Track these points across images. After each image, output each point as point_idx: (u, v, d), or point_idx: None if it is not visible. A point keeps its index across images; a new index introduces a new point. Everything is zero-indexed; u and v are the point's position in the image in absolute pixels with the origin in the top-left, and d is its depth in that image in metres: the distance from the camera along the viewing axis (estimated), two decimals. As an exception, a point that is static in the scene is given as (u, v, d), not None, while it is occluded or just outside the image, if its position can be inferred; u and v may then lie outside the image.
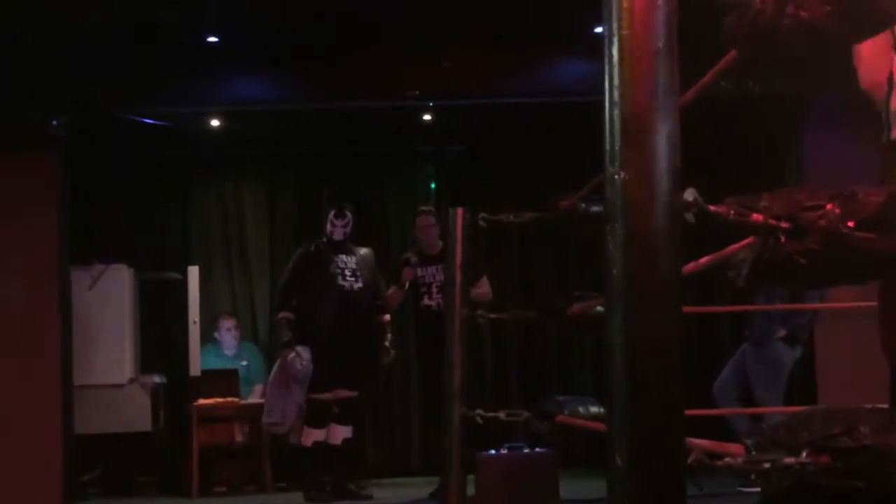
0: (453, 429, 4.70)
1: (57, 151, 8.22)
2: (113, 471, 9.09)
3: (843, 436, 1.72)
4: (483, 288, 8.06)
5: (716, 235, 2.19)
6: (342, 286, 7.97)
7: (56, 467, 8.01)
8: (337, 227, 8.09)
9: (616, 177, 1.56)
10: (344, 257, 8.06)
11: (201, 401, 8.93)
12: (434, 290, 8.09)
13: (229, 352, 9.59)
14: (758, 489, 1.80)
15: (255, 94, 8.38)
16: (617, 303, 1.56)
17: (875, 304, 2.70)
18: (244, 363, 9.49)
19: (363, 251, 8.26)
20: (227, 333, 9.59)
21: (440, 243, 7.90)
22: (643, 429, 1.52)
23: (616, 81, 1.58)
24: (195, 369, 9.14)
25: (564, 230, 8.84)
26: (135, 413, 8.84)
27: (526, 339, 10.17)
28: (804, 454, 1.71)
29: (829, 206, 1.75)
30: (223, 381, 9.09)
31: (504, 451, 7.34)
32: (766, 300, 7.67)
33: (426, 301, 8.20)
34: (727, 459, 1.78)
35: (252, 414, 8.78)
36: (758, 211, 1.76)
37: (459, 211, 4.89)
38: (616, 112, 1.57)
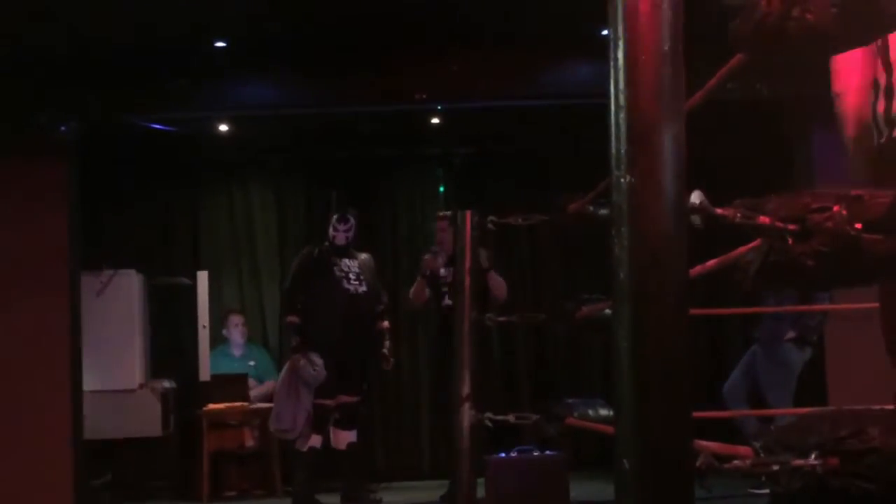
0: (463, 432, 4.71)
1: (66, 157, 8.24)
2: (123, 476, 9.10)
3: (851, 438, 1.72)
4: (495, 280, 8.07)
5: (726, 238, 2.20)
6: (348, 290, 8.00)
7: (67, 473, 8.02)
8: (340, 232, 8.10)
9: (622, 180, 1.56)
10: (347, 261, 8.08)
11: (211, 406, 8.95)
12: (446, 290, 8.10)
13: (238, 351, 9.62)
14: (767, 491, 1.80)
15: (262, 99, 8.39)
16: (623, 306, 1.56)
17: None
18: (252, 363, 9.51)
19: (363, 256, 8.28)
20: (235, 329, 9.64)
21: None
22: (650, 432, 1.52)
23: (621, 85, 1.58)
24: (205, 374, 9.16)
25: (574, 233, 8.83)
26: (145, 418, 8.85)
27: (535, 342, 10.18)
28: (813, 456, 1.71)
29: (836, 208, 1.75)
30: (233, 385, 9.10)
31: (514, 454, 7.34)
32: (776, 302, 7.66)
33: (447, 301, 8.19)
34: (735, 462, 1.77)
35: (262, 418, 8.78)
36: (765, 213, 1.76)
37: (468, 214, 4.90)
38: (622, 115, 1.57)
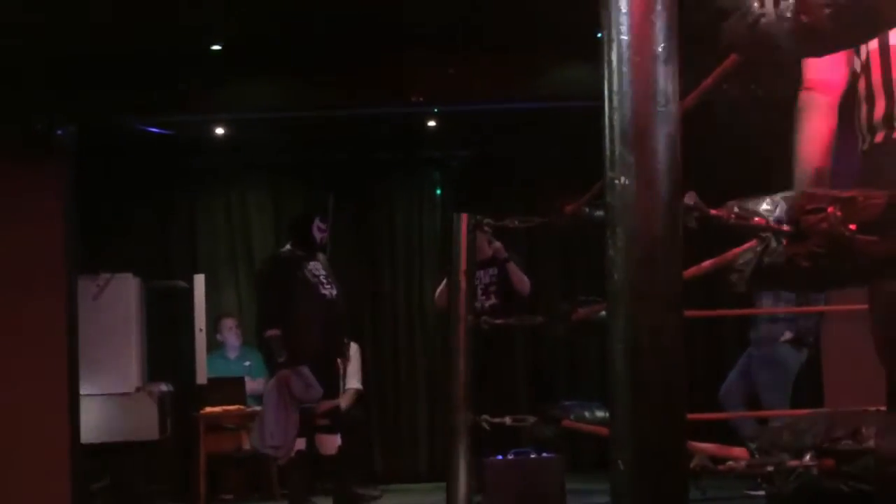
0: (459, 435, 4.71)
1: (63, 160, 8.23)
2: (121, 479, 9.09)
3: (846, 438, 1.72)
4: (515, 273, 8.09)
5: (724, 239, 2.20)
6: (324, 295, 7.80)
7: (64, 477, 8.01)
8: (324, 233, 8.02)
9: (616, 182, 1.57)
10: (315, 264, 7.91)
11: (208, 409, 8.95)
12: (479, 292, 8.07)
13: (233, 353, 9.63)
14: (764, 493, 1.81)
15: (259, 102, 8.38)
16: (618, 307, 1.57)
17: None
18: (247, 363, 9.52)
19: (323, 258, 8.11)
20: (230, 332, 9.65)
21: (489, 249, 8.02)
22: (645, 433, 1.52)
23: (615, 87, 1.58)
24: (202, 377, 9.16)
25: (571, 235, 8.84)
26: (142, 422, 8.84)
27: (532, 344, 10.18)
28: (808, 457, 1.72)
29: (830, 210, 1.75)
30: (230, 389, 9.11)
31: (511, 457, 7.33)
32: (772, 303, 7.67)
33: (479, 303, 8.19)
34: (730, 463, 1.78)
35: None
36: (759, 214, 1.77)
37: (464, 217, 4.90)
38: (616, 117, 1.57)
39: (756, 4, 1.85)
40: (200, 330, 9.16)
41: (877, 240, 1.77)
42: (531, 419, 4.56)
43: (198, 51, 7.92)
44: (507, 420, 4.64)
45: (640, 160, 1.56)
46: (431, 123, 9.44)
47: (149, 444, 8.89)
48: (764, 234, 1.78)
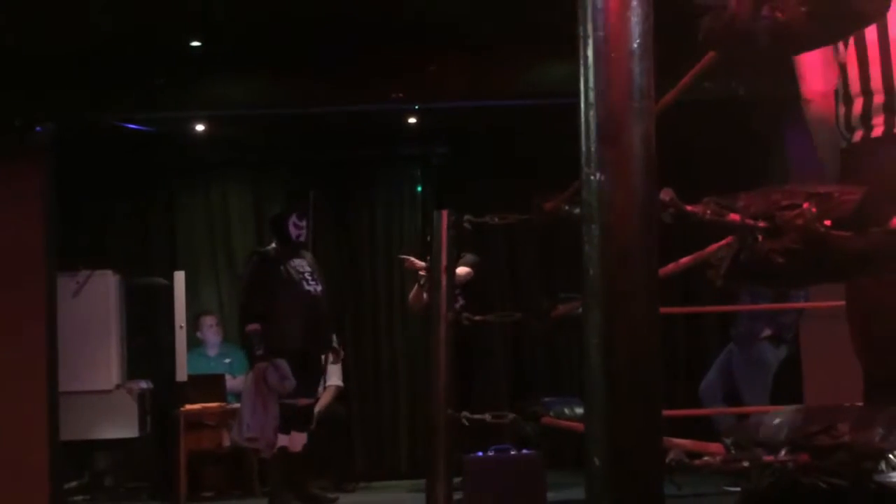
0: (439, 431, 4.71)
1: (42, 158, 8.21)
2: (100, 477, 9.08)
3: (821, 434, 1.73)
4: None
5: (705, 236, 2.21)
6: (308, 291, 7.83)
7: (43, 474, 7.99)
8: (301, 230, 8.02)
9: (592, 178, 1.57)
10: (299, 261, 7.93)
11: (188, 406, 8.93)
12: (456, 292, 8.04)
13: (213, 351, 9.61)
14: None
15: (239, 99, 8.37)
16: (594, 303, 1.57)
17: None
18: (228, 361, 9.50)
19: (310, 255, 8.15)
20: (210, 330, 9.64)
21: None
22: (620, 428, 1.52)
23: (591, 83, 1.58)
24: (182, 375, 9.13)
25: (550, 232, 8.86)
26: (122, 419, 8.83)
27: (512, 341, 10.19)
28: (783, 452, 1.72)
29: (805, 206, 1.76)
30: (210, 386, 9.08)
31: (491, 453, 7.35)
32: (752, 300, 7.69)
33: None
34: (706, 458, 1.79)
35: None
36: (735, 210, 1.77)
37: (444, 213, 4.90)
38: (591, 113, 1.57)
39: (733, 2, 1.86)
40: (181, 327, 9.14)
41: (851, 236, 1.78)
42: (511, 416, 4.57)
43: (177, 47, 7.90)
44: (488, 417, 4.65)
45: (615, 157, 1.56)
46: (412, 120, 9.43)
47: (128, 441, 8.87)
48: (740, 230, 1.79)
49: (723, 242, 1.91)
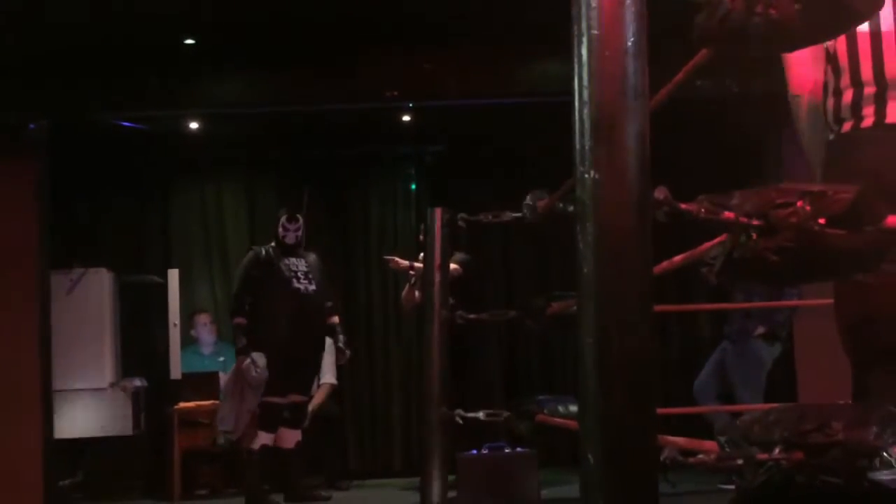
0: (434, 429, 4.71)
1: (36, 155, 8.19)
2: (94, 475, 9.06)
3: (815, 432, 1.73)
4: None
5: (694, 234, 2.21)
6: (298, 289, 7.89)
7: (37, 472, 7.98)
8: (290, 232, 8.05)
9: (586, 176, 1.57)
10: (294, 260, 8.00)
11: (182, 404, 8.93)
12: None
13: (207, 349, 9.61)
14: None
15: (233, 97, 8.36)
16: (588, 301, 1.57)
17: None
18: (222, 359, 9.49)
19: (311, 256, 8.22)
20: (204, 328, 9.63)
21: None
22: (615, 426, 1.52)
23: (585, 81, 1.58)
24: (176, 373, 9.13)
25: (544, 230, 8.85)
26: (116, 417, 8.82)
27: (507, 339, 10.18)
28: (777, 450, 1.72)
29: (799, 204, 1.76)
30: (204, 384, 9.08)
31: (485, 451, 7.34)
32: (745, 298, 7.70)
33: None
34: (700, 456, 1.78)
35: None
36: (729, 208, 1.77)
37: (438, 211, 4.91)
38: (586, 111, 1.57)
39: (727, -1, 1.86)
40: (175, 325, 9.14)
41: (845, 234, 1.77)
42: (505, 414, 4.57)
43: (171, 45, 7.89)
44: (482, 415, 4.65)
45: (610, 155, 1.56)
46: (406, 118, 9.43)
47: (122, 439, 8.86)
48: (734, 228, 1.78)
49: (716, 240, 1.90)
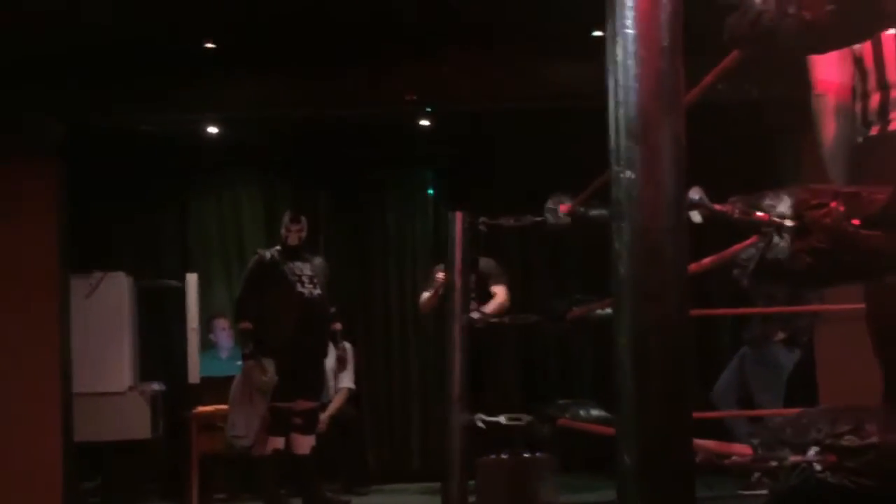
0: (454, 434, 4.71)
1: (55, 159, 8.22)
2: (113, 479, 9.07)
3: (849, 434, 1.72)
4: (498, 299, 8.15)
5: (717, 236, 2.20)
6: (302, 293, 7.85)
7: (56, 476, 8.00)
8: (292, 233, 8.03)
9: (622, 176, 1.56)
10: (299, 264, 7.96)
11: (200, 408, 8.93)
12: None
13: (225, 353, 9.62)
14: (757, 493, 1.81)
15: (251, 101, 8.36)
16: (624, 302, 1.56)
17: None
18: (240, 363, 9.48)
19: (317, 260, 8.20)
20: (222, 332, 9.65)
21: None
22: (652, 428, 1.51)
23: (621, 81, 1.57)
24: (194, 377, 9.15)
25: (565, 234, 8.82)
26: (134, 421, 8.83)
27: (526, 343, 10.16)
28: (811, 453, 1.71)
29: (833, 204, 1.75)
30: (222, 388, 9.07)
31: (504, 456, 7.33)
32: (766, 303, 7.67)
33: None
34: (735, 458, 1.78)
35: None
36: (762, 209, 1.77)
37: (459, 215, 4.90)
38: (621, 111, 1.57)
39: (759, 0, 1.85)
40: (193, 329, 9.15)
41: (879, 234, 1.77)
42: (526, 418, 4.56)
43: (191, 49, 7.90)
44: (502, 419, 4.64)
45: (645, 154, 1.55)
46: (424, 123, 9.42)
47: (141, 443, 8.87)
48: (767, 230, 1.78)
49: (748, 242, 1.90)
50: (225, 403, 8.89)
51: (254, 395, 7.79)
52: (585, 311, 4.57)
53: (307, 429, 7.93)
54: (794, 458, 1.72)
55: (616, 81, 1.58)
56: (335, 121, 9.28)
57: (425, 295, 8.39)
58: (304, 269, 7.97)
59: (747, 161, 8.59)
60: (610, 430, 1.68)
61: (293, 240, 8.00)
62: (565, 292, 8.01)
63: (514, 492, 7.15)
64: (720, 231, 1.92)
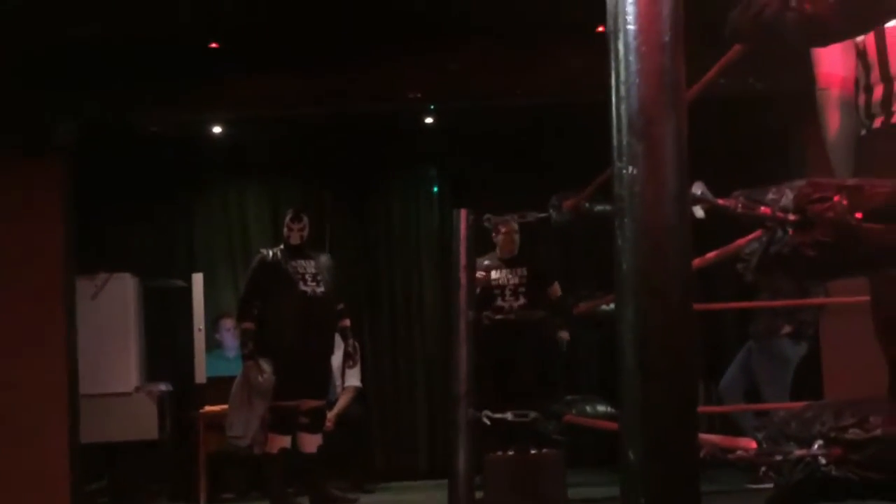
0: (460, 430, 4.71)
1: (62, 159, 8.22)
2: (120, 479, 9.08)
3: (854, 427, 1.72)
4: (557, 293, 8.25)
5: (721, 231, 2.20)
6: (304, 291, 7.82)
7: (63, 476, 8.01)
8: (294, 232, 8.00)
9: (624, 171, 1.56)
10: (302, 262, 7.93)
11: (207, 408, 8.94)
12: (508, 292, 8.19)
13: (231, 353, 9.62)
14: (765, 486, 1.81)
15: (257, 100, 8.36)
16: (627, 298, 1.56)
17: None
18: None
19: (322, 257, 8.16)
20: (228, 333, 9.66)
21: (517, 248, 8.45)
22: (655, 423, 1.51)
23: (622, 76, 1.57)
24: (201, 376, 9.15)
25: (570, 230, 8.84)
26: (141, 421, 8.83)
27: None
28: (816, 446, 1.72)
29: (836, 198, 1.75)
30: (229, 388, 9.07)
31: (511, 452, 7.34)
32: (771, 296, 7.67)
33: (499, 302, 8.17)
34: (740, 452, 1.78)
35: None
36: (765, 204, 1.77)
37: (463, 212, 4.91)
38: (623, 107, 1.57)
39: (761, -6, 1.85)
40: (199, 329, 9.16)
41: (883, 228, 1.77)
42: (533, 414, 4.57)
43: (196, 49, 7.91)
44: (509, 415, 4.65)
45: (648, 149, 1.55)
46: (429, 120, 9.42)
47: (148, 443, 8.87)
48: (770, 224, 1.78)
49: (751, 236, 1.90)
50: (231, 403, 8.92)
51: (252, 396, 7.77)
52: (591, 307, 4.58)
53: (314, 427, 7.92)
54: (798, 452, 1.72)
55: (618, 77, 1.58)
56: (340, 119, 9.28)
57: None
58: (308, 267, 7.94)
59: (752, 156, 8.59)
60: (616, 426, 1.68)
61: (295, 238, 7.98)
62: (571, 288, 8.01)
63: (521, 488, 7.16)
64: (727, 225, 1.92)
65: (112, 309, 8.90)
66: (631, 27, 1.56)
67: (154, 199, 10.11)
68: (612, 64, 1.59)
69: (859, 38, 2.82)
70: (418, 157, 10.46)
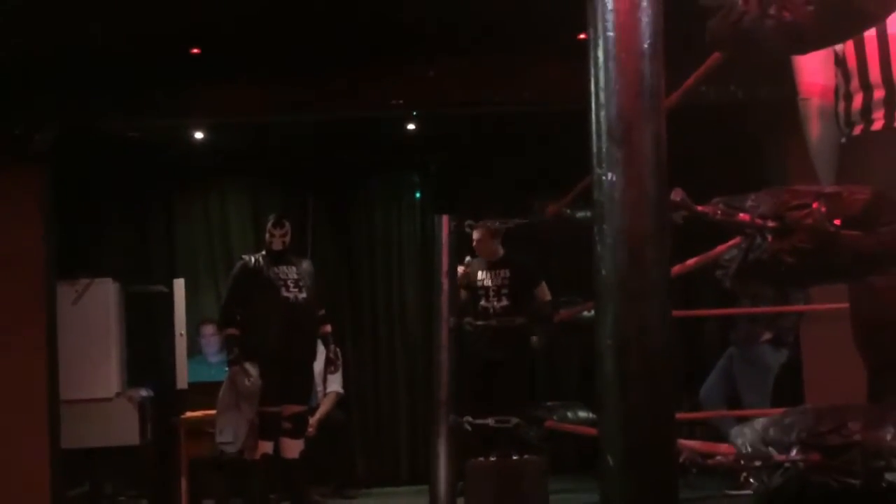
0: (442, 436, 4.71)
1: (42, 165, 8.20)
2: (101, 485, 9.05)
3: (832, 433, 1.73)
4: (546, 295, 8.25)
5: (703, 237, 2.21)
6: (286, 297, 7.82)
7: (43, 482, 7.97)
8: (276, 238, 7.99)
9: (604, 178, 1.57)
10: (284, 268, 7.93)
11: (189, 413, 8.92)
12: (491, 293, 8.21)
13: (213, 359, 9.61)
14: (745, 492, 1.82)
15: (238, 106, 8.35)
16: (606, 304, 1.57)
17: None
18: (227, 369, 9.48)
19: (304, 263, 8.16)
20: (210, 338, 9.64)
21: (500, 250, 8.45)
22: (634, 428, 1.52)
23: (602, 83, 1.58)
24: (182, 382, 9.13)
25: (550, 236, 8.86)
26: (122, 427, 8.80)
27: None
28: (794, 452, 1.72)
29: (814, 205, 1.76)
30: (210, 393, 9.05)
31: (493, 458, 7.33)
32: (752, 303, 7.69)
33: (483, 303, 8.23)
34: (719, 458, 1.78)
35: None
36: (744, 210, 1.77)
37: (445, 218, 4.91)
38: (602, 114, 1.58)
39: (740, 2, 1.86)
40: (181, 334, 9.14)
41: (861, 235, 1.78)
42: (514, 420, 4.57)
43: (176, 55, 7.89)
44: (490, 421, 4.65)
45: (627, 156, 1.56)
46: (411, 127, 9.43)
47: (129, 449, 8.84)
48: (749, 230, 1.79)
49: (731, 243, 1.91)
50: (213, 409, 8.89)
51: (239, 401, 7.76)
52: (572, 313, 4.59)
53: (296, 433, 7.91)
54: (777, 458, 1.73)
55: (597, 84, 1.59)
56: (322, 125, 9.27)
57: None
58: (290, 273, 7.93)
59: (732, 163, 8.61)
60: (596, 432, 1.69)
61: (277, 244, 7.97)
62: (554, 294, 8.03)
63: (503, 494, 7.15)
64: (707, 232, 1.93)
65: (93, 314, 8.86)
66: (611, 34, 1.57)
67: (135, 204, 10.10)
68: (592, 71, 1.60)
69: (839, 47, 2.84)
70: (400, 163, 10.46)
